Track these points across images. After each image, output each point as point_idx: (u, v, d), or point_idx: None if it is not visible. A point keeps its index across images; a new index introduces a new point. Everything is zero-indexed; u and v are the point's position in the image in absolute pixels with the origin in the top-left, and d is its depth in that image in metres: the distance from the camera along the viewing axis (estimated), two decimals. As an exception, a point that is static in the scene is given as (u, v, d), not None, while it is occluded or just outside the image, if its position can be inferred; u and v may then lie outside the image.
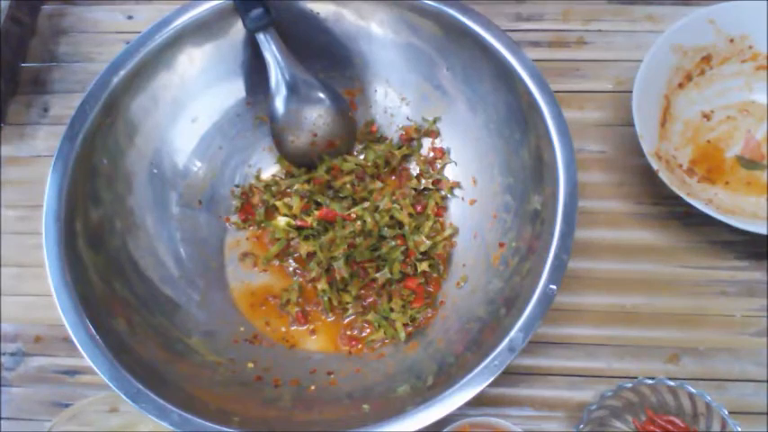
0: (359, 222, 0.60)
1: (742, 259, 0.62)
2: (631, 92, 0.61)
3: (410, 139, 0.65)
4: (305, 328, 0.60)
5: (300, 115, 0.62)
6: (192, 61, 0.61)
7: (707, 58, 0.65)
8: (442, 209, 0.63)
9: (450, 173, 0.64)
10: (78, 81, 0.73)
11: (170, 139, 0.62)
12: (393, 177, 0.64)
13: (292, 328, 0.60)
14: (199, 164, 0.63)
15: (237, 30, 0.61)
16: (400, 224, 0.61)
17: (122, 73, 0.57)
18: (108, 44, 0.74)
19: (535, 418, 0.58)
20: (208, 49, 0.61)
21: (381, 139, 0.66)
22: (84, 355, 0.49)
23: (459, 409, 0.47)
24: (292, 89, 0.61)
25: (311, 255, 0.60)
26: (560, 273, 0.50)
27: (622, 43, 0.70)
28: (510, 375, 0.58)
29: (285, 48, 0.60)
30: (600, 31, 0.71)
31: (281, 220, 0.63)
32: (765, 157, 0.64)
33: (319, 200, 0.62)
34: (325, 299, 0.60)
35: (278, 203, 0.63)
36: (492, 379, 0.47)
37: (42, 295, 0.61)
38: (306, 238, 0.61)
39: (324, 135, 0.63)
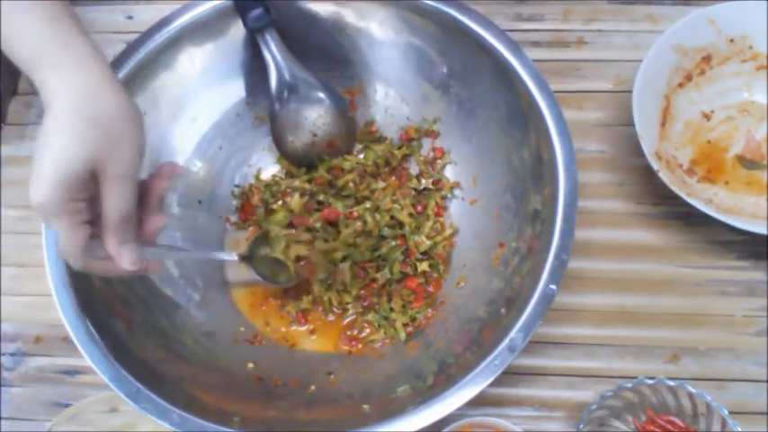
0: (359, 222, 0.60)
1: (742, 259, 0.62)
2: (631, 92, 0.61)
3: (410, 139, 0.65)
4: (305, 328, 0.60)
5: (300, 115, 0.62)
6: (192, 61, 0.61)
7: (707, 58, 0.65)
8: (442, 209, 0.63)
9: (451, 173, 0.64)
10: (78, 81, 0.73)
11: (170, 138, 0.62)
12: (393, 177, 0.64)
13: (292, 328, 0.60)
14: (199, 164, 0.63)
15: (237, 30, 0.61)
16: (400, 224, 0.61)
17: (122, 73, 0.57)
18: (108, 44, 0.74)
19: (535, 418, 0.58)
20: (208, 49, 0.61)
21: (381, 138, 0.66)
22: (85, 355, 0.49)
23: (459, 409, 0.47)
24: (292, 89, 0.61)
25: (311, 255, 0.61)
26: (560, 273, 0.50)
27: (622, 43, 0.70)
28: (510, 375, 0.58)
29: (285, 48, 0.60)
30: (600, 30, 0.71)
31: (281, 220, 0.63)
32: (765, 157, 0.64)
33: (322, 198, 0.62)
34: (326, 299, 0.60)
35: (276, 208, 0.63)
36: (492, 379, 0.47)
37: (42, 295, 0.61)
38: (306, 238, 0.61)
39: (324, 135, 0.63)
